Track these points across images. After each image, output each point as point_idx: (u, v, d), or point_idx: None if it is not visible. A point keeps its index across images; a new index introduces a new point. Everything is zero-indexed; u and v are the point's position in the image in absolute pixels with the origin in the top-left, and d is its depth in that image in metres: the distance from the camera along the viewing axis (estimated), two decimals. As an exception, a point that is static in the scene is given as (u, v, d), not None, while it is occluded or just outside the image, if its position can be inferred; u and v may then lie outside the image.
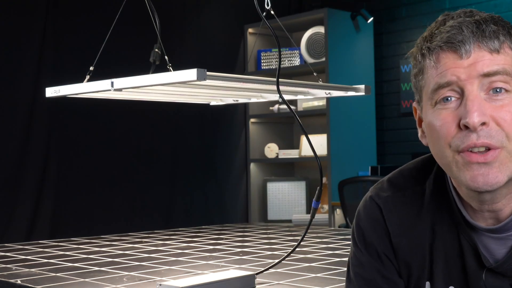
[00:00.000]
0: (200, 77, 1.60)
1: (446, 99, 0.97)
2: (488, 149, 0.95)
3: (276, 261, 1.93)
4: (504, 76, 0.95)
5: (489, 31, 0.95)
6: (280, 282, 1.82)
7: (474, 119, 0.93)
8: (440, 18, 1.01)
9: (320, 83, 2.15)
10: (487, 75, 0.95)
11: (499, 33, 0.96)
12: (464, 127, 0.95)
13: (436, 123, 0.98)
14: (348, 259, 1.18)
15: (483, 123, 0.94)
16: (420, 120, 1.06)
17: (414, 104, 1.08)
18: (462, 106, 0.96)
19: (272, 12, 2.02)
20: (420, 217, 1.09)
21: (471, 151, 0.95)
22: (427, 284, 1.08)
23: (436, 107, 0.99)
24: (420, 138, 1.08)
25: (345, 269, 1.97)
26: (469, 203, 1.03)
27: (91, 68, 2.01)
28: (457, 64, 0.96)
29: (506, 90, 0.95)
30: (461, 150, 0.96)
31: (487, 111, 0.94)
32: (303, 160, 5.16)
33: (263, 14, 1.93)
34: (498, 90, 0.95)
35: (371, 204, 1.13)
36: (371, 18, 4.99)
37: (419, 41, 1.03)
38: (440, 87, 0.97)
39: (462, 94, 0.96)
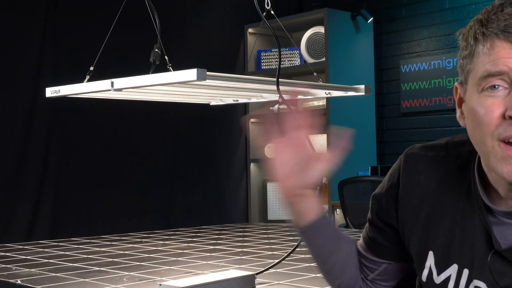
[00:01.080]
0: (200, 77, 1.60)
1: (493, 87, 0.96)
2: None
3: (276, 261, 1.93)
4: None
5: None
6: (280, 282, 1.82)
7: None
8: (497, 1, 0.98)
9: (320, 83, 2.15)
10: None
11: None
12: (509, 118, 0.94)
13: (480, 110, 0.97)
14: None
15: None
16: (461, 101, 1.05)
17: (456, 84, 1.06)
18: (509, 96, 0.94)
19: (272, 12, 2.02)
20: (429, 178, 1.11)
21: (510, 144, 0.95)
22: (430, 253, 1.09)
23: (482, 94, 0.97)
24: (458, 119, 1.07)
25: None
26: (495, 187, 1.02)
27: (91, 68, 2.01)
28: (511, 55, 0.94)
29: None
30: (503, 139, 0.95)
31: None
32: (303, 160, 5.15)
33: (263, 14, 1.93)
34: None
35: (398, 161, 1.17)
36: (371, 18, 4.99)
37: (472, 24, 1.00)
38: (490, 75, 0.96)
39: (511, 84, 0.95)
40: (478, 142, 1.00)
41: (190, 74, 1.61)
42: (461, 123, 1.05)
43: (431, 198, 1.10)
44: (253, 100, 2.31)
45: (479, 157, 1.05)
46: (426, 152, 1.13)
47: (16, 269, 2.12)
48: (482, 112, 0.96)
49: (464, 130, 1.05)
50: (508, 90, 0.95)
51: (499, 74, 0.95)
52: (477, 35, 0.98)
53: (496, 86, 0.95)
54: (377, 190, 1.20)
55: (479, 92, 0.98)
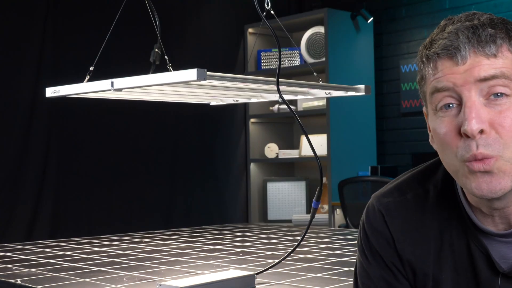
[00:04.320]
0: (200, 77, 1.60)
1: (447, 106, 0.97)
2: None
3: (276, 261, 1.93)
4: (503, 79, 0.94)
5: (485, 35, 0.95)
6: (280, 282, 1.82)
7: (472, 126, 0.93)
8: (442, 22, 1.01)
9: (320, 83, 2.15)
10: (484, 79, 0.94)
11: (496, 36, 0.95)
12: (465, 135, 0.94)
13: (440, 130, 0.98)
14: (355, 269, 1.16)
15: (481, 131, 0.93)
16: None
17: (424, 109, 1.08)
18: (461, 113, 0.95)
19: (272, 12, 2.02)
20: (423, 221, 1.08)
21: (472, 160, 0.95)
22: None
23: (438, 114, 0.99)
24: (430, 143, 1.07)
25: (345, 269, 1.97)
26: (479, 208, 1.02)
27: (91, 68, 2.01)
28: (453, 71, 0.96)
29: (506, 95, 0.94)
30: (466, 160, 0.95)
31: (486, 117, 0.94)
32: (303, 160, 5.16)
33: (263, 14, 1.93)
34: (498, 94, 0.94)
35: (373, 211, 1.11)
36: (371, 18, 4.99)
37: (421, 48, 1.03)
38: (436, 91, 0.97)
39: (461, 100, 0.96)
40: (447, 162, 1.01)
41: (190, 74, 1.61)
42: (434, 146, 1.06)
43: (428, 237, 1.07)
44: (253, 100, 2.31)
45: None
46: (402, 195, 1.10)
47: (16, 269, 2.12)
48: (442, 132, 0.98)
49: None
50: (460, 108, 0.96)
51: (444, 89, 0.97)
52: (423, 59, 1.01)
53: (450, 105, 0.97)
54: (365, 266, 1.11)
55: (435, 112, 0.99)
